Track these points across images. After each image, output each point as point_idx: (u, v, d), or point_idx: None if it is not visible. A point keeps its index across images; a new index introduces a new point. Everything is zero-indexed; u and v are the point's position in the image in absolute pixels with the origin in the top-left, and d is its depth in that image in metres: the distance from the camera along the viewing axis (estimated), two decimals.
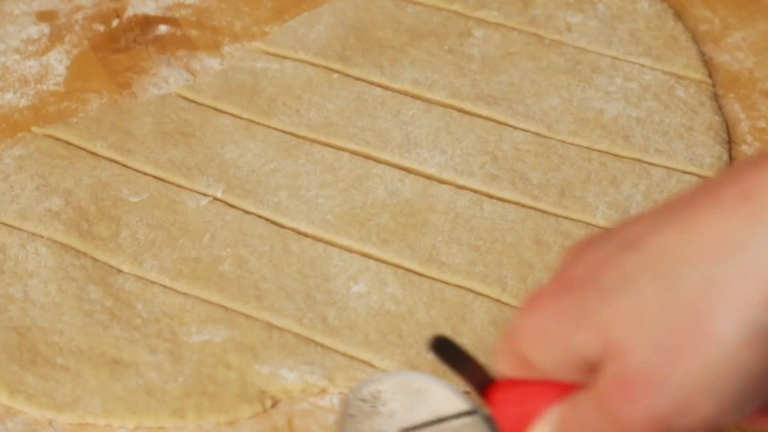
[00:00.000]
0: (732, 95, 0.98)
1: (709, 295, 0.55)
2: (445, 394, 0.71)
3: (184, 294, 0.81)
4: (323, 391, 0.77)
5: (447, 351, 0.69)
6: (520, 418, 0.68)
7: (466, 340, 0.79)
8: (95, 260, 0.83)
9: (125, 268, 0.83)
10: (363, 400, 0.72)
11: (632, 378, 0.58)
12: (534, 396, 0.67)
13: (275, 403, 0.77)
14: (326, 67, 0.96)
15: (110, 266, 0.83)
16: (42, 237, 0.84)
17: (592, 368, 0.61)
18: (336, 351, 0.79)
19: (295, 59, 0.97)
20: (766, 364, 0.55)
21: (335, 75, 0.96)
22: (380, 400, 0.72)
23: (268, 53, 0.98)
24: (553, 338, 0.62)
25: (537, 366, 0.63)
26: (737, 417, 0.56)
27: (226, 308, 0.81)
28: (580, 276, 0.61)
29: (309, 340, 0.79)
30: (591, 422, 0.61)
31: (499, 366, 0.66)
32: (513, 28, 1.00)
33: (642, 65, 0.97)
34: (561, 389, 0.65)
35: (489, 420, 0.70)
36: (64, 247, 0.84)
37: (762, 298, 0.54)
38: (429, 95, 0.95)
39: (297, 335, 0.79)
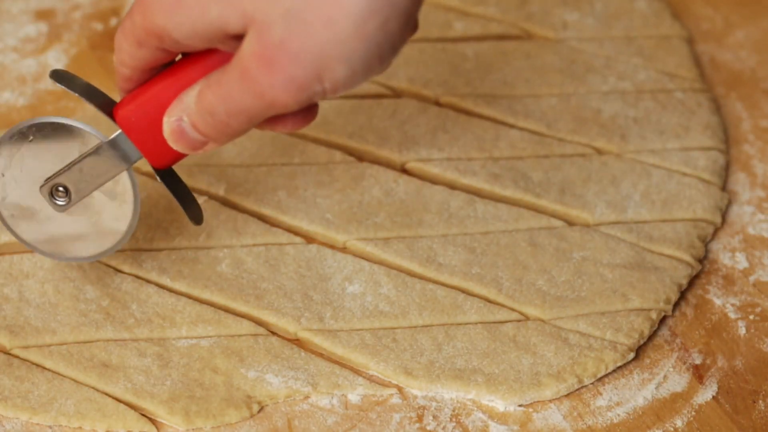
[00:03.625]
0: (734, 94, 0.97)
1: None
2: (75, 130, 0.74)
3: (178, 295, 0.81)
4: (307, 397, 0.77)
5: (66, 80, 0.73)
6: (152, 120, 0.71)
7: (458, 343, 0.79)
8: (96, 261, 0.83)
9: (125, 268, 0.83)
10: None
11: (272, 50, 0.63)
12: (160, 95, 0.70)
13: (261, 408, 0.77)
14: None
15: (108, 266, 0.83)
16: None
17: (233, 37, 0.65)
18: (323, 356, 0.79)
19: None
20: (386, 31, 0.63)
21: None
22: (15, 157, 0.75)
23: None
24: (189, 10, 0.65)
25: (173, 37, 0.66)
26: (363, 81, 0.65)
27: (216, 310, 0.81)
28: None
29: (294, 345, 0.79)
30: (232, 94, 0.65)
31: (123, 47, 0.69)
32: (510, 25, 1.00)
33: (635, 65, 0.97)
34: (188, 79, 0.69)
35: (125, 141, 0.72)
36: None
37: None
38: (425, 93, 0.94)
39: (281, 339, 0.80)
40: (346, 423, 0.76)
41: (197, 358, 0.78)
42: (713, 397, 0.78)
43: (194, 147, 0.70)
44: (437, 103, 0.94)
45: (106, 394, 0.76)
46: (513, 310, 0.82)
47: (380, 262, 0.84)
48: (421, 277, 0.83)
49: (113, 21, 1.01)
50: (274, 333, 0.80)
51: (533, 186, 0.88)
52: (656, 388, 0.79)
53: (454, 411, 0.77)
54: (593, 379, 0.79)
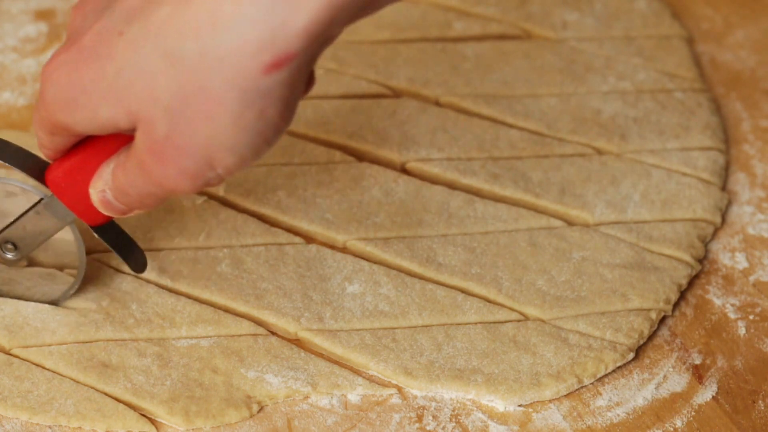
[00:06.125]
0: (734, 94, 0.97)
1: (208, 68, 0.63)
2: (14, 190, 0.76)
3: (177, 295, 0.81)
4: (307, 397, 0.77)
5: None
6: (80, 187, 0.73)
7: (458, 343, 0.79)
8: (93, 260, 0.83)
9: (125, 268, 0.83)
10: None
11: (160, 145, 0.65)
12: (84, 164, 0.72)
13: (261, 408, 0.77)
14: (320, 66, 0.96)
15: (108, 266, 0.83)
16: None
17: (130, 128, 0.67)
18: (323, 356, 0.79)
19: None
20: (264, 119, 0.64)
21: (330, 72, 0.96)
22: None
23: None
24: (83, 109, 0.67)
25: (76, 130, 0.69)
26: (257, 160, 0.67)
27: (216, 310, 0.81)
28: (92, 45, 0.66)
29: (293, 345, 0.79)
30: (137, 182, 0.68)
31: (39, 135, 0.71)
32: (510, 25, 1.00)
33: (635, 65, 0.97)
34: (107, 150, 0.71)
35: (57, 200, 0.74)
36: None
37: (254, 69, 0.62)
38: (424, 93, 0.94)
39: (281, 339, 0.80)
40: (345, 423, 0.76)
41: (197, 358, 0.78)
42: (713, 397, 0.78)
43: (123, 213, 0.73)
44: (437, 103, 0.94)
45: (106, 394, 0.76)
46: (513, 310, 0.82)
47: (380, 262, 0.84)
48: (420, 277, 0.83)
49: None
50: (273, 333, 0.80)
51: (533, 186, 0.88)
52: (656, 388, 0.79)
53: (453, 411, 0.77)
54: (593, 379, 0.79)
